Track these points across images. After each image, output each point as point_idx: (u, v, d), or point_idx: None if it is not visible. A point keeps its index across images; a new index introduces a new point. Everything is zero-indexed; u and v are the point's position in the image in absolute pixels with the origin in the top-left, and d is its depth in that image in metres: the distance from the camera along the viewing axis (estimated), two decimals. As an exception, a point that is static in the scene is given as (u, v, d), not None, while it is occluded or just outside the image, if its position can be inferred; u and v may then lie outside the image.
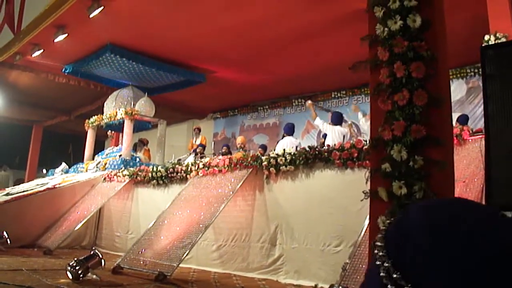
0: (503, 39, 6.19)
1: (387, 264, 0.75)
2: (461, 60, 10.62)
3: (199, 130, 14.14)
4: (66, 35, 10.02)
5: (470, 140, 5.93)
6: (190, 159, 11.18)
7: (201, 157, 11.07)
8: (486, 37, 6.31)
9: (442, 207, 0.75)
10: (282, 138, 10.52)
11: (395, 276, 0.73)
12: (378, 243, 0.79)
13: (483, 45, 4.62)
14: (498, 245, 0.67)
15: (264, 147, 11.89)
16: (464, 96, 11.64)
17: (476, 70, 11.25)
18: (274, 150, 8.59)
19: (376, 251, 0.78)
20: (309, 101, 10.79)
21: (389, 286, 0.73)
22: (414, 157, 3.50)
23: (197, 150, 12.06)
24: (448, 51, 3.97)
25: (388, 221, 0.83)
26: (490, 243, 0.68)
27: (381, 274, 0.75)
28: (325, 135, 9.96)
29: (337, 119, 9.72)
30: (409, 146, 3.54)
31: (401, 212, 0.80)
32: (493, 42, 6.13)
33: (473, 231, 0.69)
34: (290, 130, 10.33)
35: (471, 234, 0.69)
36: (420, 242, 0.72)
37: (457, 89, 11.34)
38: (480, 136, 5.81)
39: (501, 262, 0.66)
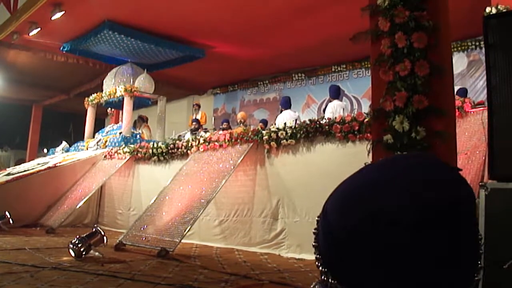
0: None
1: (322, 269, 0.75)
2: (462, 33, 10.55)
3: (199, 106, 14.08)
4: (63, 12, 9.92)
5: (471, 112, 5.90)
6: (188, 136, 11.14)
7: (194, 133, 11.08)
8: (488, 9, 6.23)
9: (357, 200, 0.73)
10: (280, 112, 10.47)
11: (331, 281, 0.73)
12: (314, 243, 0.79)
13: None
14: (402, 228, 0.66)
15: (265, 122, 11.87)
16: (465, 69, 11.58)
17: (477, 43, 11.19)
18: (274, 124, 8.55)
19: (314, 251, 0.78)
20: None
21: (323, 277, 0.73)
22: (416, 128, 3.49)
23: (193, 126, 12.05)
24: (450, 21, 3.92)
25: (317, 218, 0.82)
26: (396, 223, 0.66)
27: (323, 277, 0.75)
28: (324, 109, 9.92)
29: (335, 93, 9.66)
30: (411, 117, 3.52)
31: (322, 209, 0.79)
32: (495, 13, 6.06)
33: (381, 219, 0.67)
34: (287, 104, 10.28)
35: (392, 223, 0.67)
36: (346, 243, 0.71)
37: (458, 62, 11.27)
38: (482, 108, 5.78)
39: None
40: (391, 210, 0.66)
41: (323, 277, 0.74)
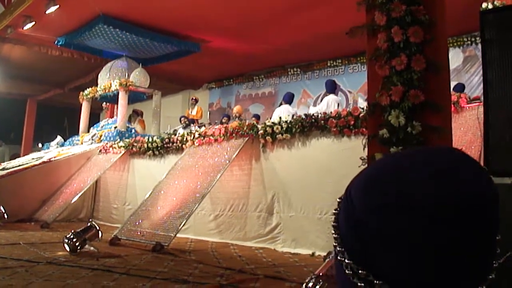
0: (501, 7, 6.11)
1: (339, 249, 0.74)
2: (458, 29, 10.54)
3: (196, 100, 14.05)
4: (57, 6, 9.84)
5: (467, 108, 5.91)
6: (181, 131, 11.11)
7: (185, 128, 11.12)
8: (484, 5, 6.23)
9: (381, 180, 0.72)
10: (280, 106, 10.47)
11: (346, 261, 0.73)
12: (334, 223, 0.78)
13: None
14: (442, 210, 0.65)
15: (257, 117, 11.85)
16: (461, 65, 11.58)
17: (473, 39, 11.18)
18: (270, 118, 8.54)
19: (332, 232, 0.77)
20: None
21: (346, 271, 0.73)
22: (412, 122, 3.48)
23: (182, 123, 12.05)
24: (447, 16, 3.92)
25: (338, 199, 0.81)
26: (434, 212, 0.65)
27: (338, 258, 0.75)
28: (315, 102, 9.94)
29: (331, 87, 9.66)
30: (407, 111, 3.52)
31: (346, 190, 0.78)
32: (491, 9, 6.06)
33: (415, 207, 0.66)
34: (289, 99, 10.32)
35: (413, 209, 0.66)
36: (367, 226, 0.70)
37: (454, 57, 11.25)
38: (478, 103, 5.80)
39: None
40: (415, 197, 0.66)
41: (339, 257, 0.74)
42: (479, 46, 3.26)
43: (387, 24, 3.74)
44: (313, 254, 5.90)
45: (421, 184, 0.66)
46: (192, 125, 12.25)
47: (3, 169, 10.64)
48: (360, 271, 0.71)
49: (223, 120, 11.70)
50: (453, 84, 8.72)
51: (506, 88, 3.06)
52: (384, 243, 0.68)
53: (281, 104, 10.48)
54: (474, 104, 5.94)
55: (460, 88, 8.79)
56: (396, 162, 0.75)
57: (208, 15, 10.56)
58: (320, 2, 9.56)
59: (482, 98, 4.21)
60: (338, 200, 0.81)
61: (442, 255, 0.65)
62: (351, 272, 0.72)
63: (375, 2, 3.86)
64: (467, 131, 5.63)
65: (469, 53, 11.48)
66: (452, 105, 5.34)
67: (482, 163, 3.05)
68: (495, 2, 6.08)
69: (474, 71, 11.20)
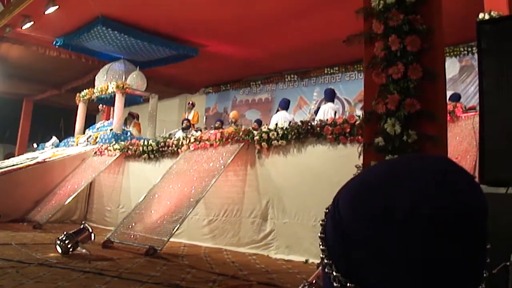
0: (498, 18, 6.13)
1: (327, 261, 0.74)
2: (454, 38, 10.57)
3: (193, 105, 14.02)
4: (57, 7, 9.84)
5: (463, 117, 5.92)
6: (179, 134, 11.12)
7: (185, 130, 11.10)
8: (481, 16, 6.25)
9: (369, 191, 0.71)
10: (276, 112, 10.47)
11: (334, 274, 0.72)
12: (320, 235, 0.78)
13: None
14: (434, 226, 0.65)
15: (259, 122, 11.84)
16: (457, 74, 11.61)
17: (469, 49, 11.23)
18: (268, 124, 8.54)
19: (319, 244, 0.77)
20: None
21: (334, 284, 0.72)
22: (408, 131, 3.48)
23: (183, 125, 12.03)
24: (444, 26, 3.93)
25: (325, 210, 0.80)
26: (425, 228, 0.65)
27: (326, 270, 0.74)
28: (316, 111, 9.93)
29: (330, 96, 9.67)
30: (403, 120, 3.52)
31: (333, 201, 0.77)
32: (488, 20, 6.08)
33: (407, 219, 0.65)
34: (285, 105, 10.31)
35: (406, 222, 0.65)
36: (355, 238, 0.69)
37: (450, 67, 11.29)
38: (473, 113, 5.81)
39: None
40: (403, 208, 0.65)
41: (326, 270, 0.73)
42: (476, 56, 3.27)
43: (385, 33, 3.74)
44: (306, 261, 5.89)
45: (412, 195, 0.65)
46: (190, 128, 12.24)
47: (-3, 168, 10.61)
48: (348, 284, 0.70)
49: (216, 125, 11.70)
50: (449, 93, 8.74)
51: (501, 98, 3.06)
52: (372, 255, 0.67)
53: (277, 110, 10.48)
54: (470, 113, 5.95)
55: (456, 97, 8.80)
56: (385, 172, 0.74)
57: (207, 20, 10.58)
58: (318, 10, 9.60)
59: (477, 108, 4.22)
60: (325, 210, 0.80)
61: (432, 267, 0.64)
62: (338, 285, 0.71)
63: (373, 11, 3.87)
64: (462, 140, 5.63)
65: (466, 63, 11.52)
66: (448, 114, 5.35)
67: (477, 173, 3.06)
68: (492, 13, 6.10)
69: (470, 80, 11.24)
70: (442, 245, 0.64)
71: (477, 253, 0.68)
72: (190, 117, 13.10)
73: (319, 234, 0.77)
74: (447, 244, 0.64)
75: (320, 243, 0.76)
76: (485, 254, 0.70)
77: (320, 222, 0.79)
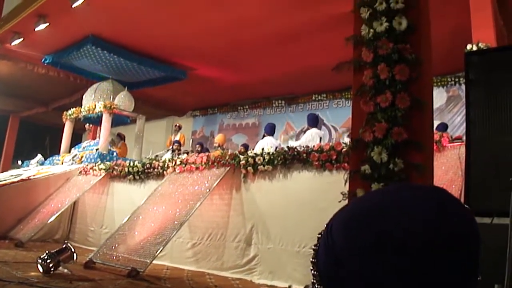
0: (486, 50, 6.21)
1: (318, 286, 0.73)
2: (442, 69, 10.70)
3: (180, 127, 14.01)
4: (47, 24, 9.86)
5: (449, 147, 5.96)
6: (167, 155, 11.11)
7: (178, 154, 11.02)
8: (469, 47, 6.33)
9: (363, 219, 0.71)
10: (263, 137, 10.48)
11: (317, 287, 0.71)
12: (312, 259, 0.77)
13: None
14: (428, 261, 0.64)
15: (246, 146, 11.83)
16: (444, 104, 11.73)
17: (456, 79, 11.37)
18: (253, 149, 8.54)
19: (311, 268, 0.76)
20: None
21: None
22: (395, 159, 3.49)
23: (174, 147, 12.00)
24: (432, 56, 3.97)
25: (318, 235, 0.80)
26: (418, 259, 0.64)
27: (315, 285, 0.73)
28: (298, 136, 9.95)
29: (313, 122, 9.70)
30: (389, 148, 3.53)
31: (327, 226, 0.77)
32: (475, 51, 6.16)
33: (400, 247, 0.65)
34: (271, 130, 10.29)
35: (399, 251, 0.65)
36: (348, 265, 0.69)
37: (437, 97, 11.40)
38: (459, 143, 5.85)
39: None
40: (399, 235, 0.65)
41: None
42: (463, 86, 3.31)
43: (374, 61, 3.77)
44: (289, 287, 5.85)
45: (406, 223, 0.65)
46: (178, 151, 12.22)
47: (-20, 185, 10.50)
48: None
49: (197, 148, 11.71)
50: (436, 123, 8.81)
51: (488, 129, 3.09)
52: (365, 284, 0.66)
53: (263, 136, 10.46)
54: (456, 143, 5.99)
55: (443, 127, 8.87)
56: (378, 201, 0.73)
57: (197, 43, 10.66)
58: (307, 36, 9.69)
59: (464, 138, 4.25)
60: (318, 235, 0.79)
61: None
62: None
63: (363, 39, 3.90)
64: (448, 170, 5.66)
65: (453, 93, 11.65)
66: (435, 144, 5.38)
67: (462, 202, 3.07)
68: (479, 44, 6.19)
69: (457, 110, 11.36)
70: (436, 274, 0.63)
71: (470, 281, 0.68)
72: (177, 139, 13.09)
73: (310, 259, 0.77)
74: (441, 272, 0.63)
75: (312, 268, 0.75)
76: (477, 281, 0.70)
77: (313, 246, 0.79)
